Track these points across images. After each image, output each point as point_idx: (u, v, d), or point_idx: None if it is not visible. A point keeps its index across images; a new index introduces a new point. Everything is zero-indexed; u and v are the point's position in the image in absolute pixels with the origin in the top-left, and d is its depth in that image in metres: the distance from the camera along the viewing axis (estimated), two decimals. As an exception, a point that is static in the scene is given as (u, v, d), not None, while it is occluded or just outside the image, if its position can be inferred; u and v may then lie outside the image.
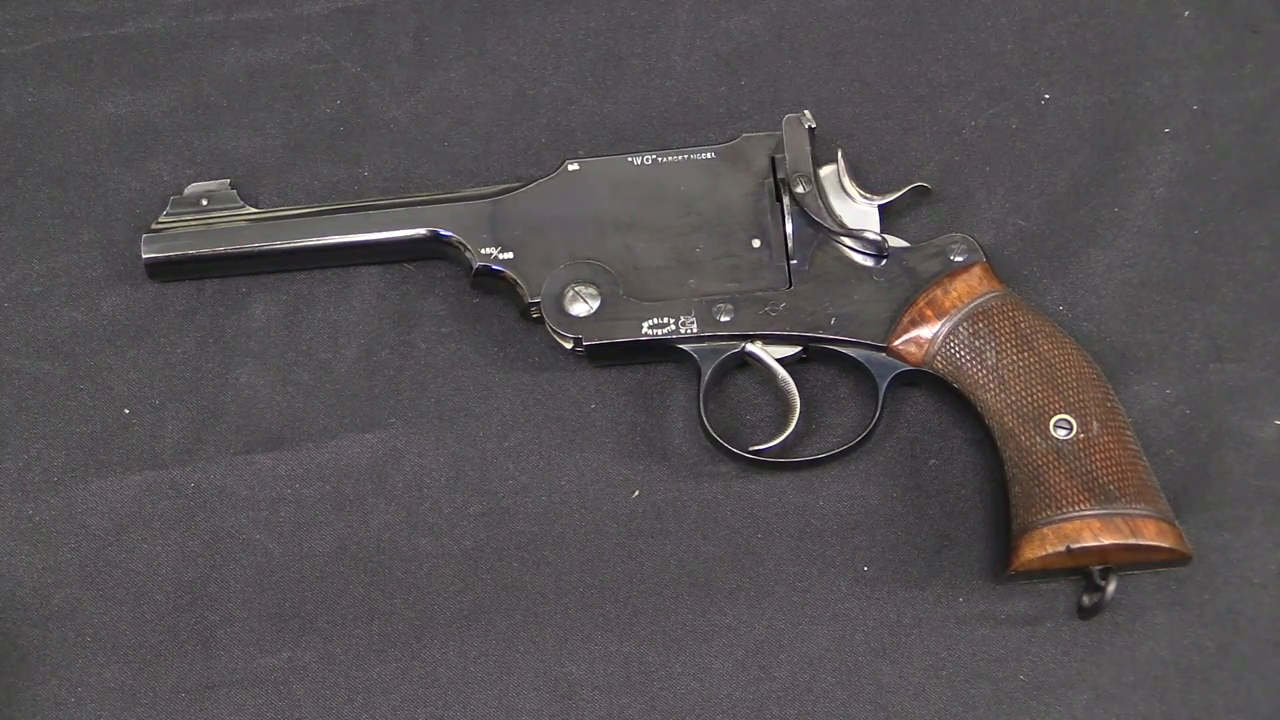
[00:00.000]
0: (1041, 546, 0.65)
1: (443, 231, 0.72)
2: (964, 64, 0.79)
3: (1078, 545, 0.64)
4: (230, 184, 0.74)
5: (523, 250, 0.72)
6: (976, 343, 0.68)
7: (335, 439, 0.72)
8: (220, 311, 0.75)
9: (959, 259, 0.70)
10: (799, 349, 0.70)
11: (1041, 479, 0.66)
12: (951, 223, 0.75)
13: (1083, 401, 0.67)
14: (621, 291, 0.70)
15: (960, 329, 0.69)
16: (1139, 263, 0.74)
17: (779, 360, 0.70)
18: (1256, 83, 0.78)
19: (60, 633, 0.69)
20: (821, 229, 0.71)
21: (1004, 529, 0.67)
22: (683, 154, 0.73)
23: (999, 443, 0.67)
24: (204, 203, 0.74)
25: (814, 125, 0.72)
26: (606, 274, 0.71)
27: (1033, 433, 0.66)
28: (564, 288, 0.71)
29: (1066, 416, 0.66)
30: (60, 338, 0.75)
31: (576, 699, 0.68)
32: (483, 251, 0.72)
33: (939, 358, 0.69)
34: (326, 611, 0.70)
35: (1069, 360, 0.68)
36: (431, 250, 0.73)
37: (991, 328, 0.68)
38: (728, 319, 0.70)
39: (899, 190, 0.73)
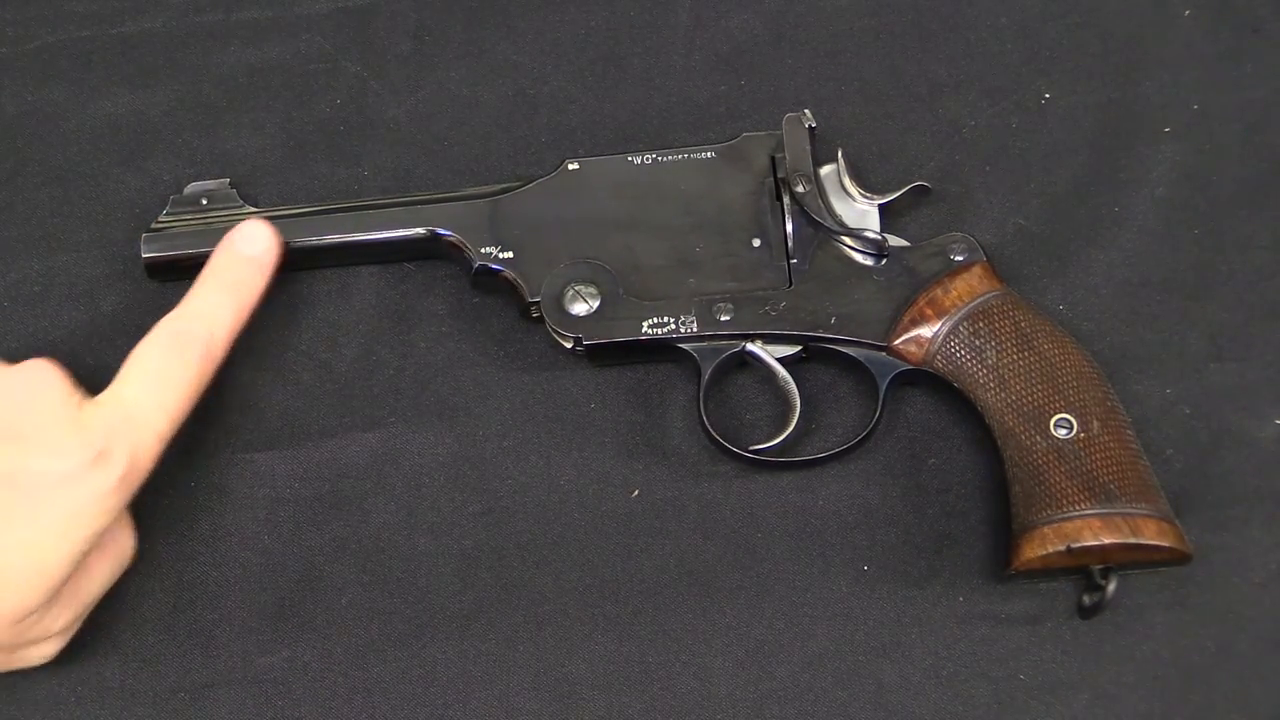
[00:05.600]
0: (1042, 546, 0.65)
1: (442, 231, 0.72)
2: (964, 64, 0.79)
3: (1078, 544, 0.64)
4: (230, 184, 0.74)
5: (522, 250, 0.72)
6: (977, 342, 0.68)
7: (335, 438, 0.72)
8: (220, 311, 0.75)
9: (959, 258, 0.70)
10: (799, 348, 0.70)
11: (1042, 478, 0.66)
12: (951, 222, 0.75)
13: (1083, 401, 0.67)
14: (621, 291, 0.70)
15: (960, 328, 0.69)
16: (1139, 262, 0.74)
17: (779, 360, 0.70)
18: (1256, 83, 0.78)
19: (60, 632, 0.69)
20: (822, 228, 0.71)
21: (1004, 528, 0.67)
22: (683, 153, 0.73)
23: (999, 442, 0.67)
24: (204, 202, 0.74)
25: (814, 125, 0.72)
26: (606, 273, 0.71)
27: (1033, 432, 0.66)
28: (564, 287, 0.71)
29: (1067, 416, 0.66)
30: (60, 338, 0.75)
31: (576, 699, 0.68)
32: (482, 251, 0.72)
33: (939, 357, 0.69)
34: (326, 611, 0.70)
35: (1069, 359, 0.68)
36: (431, 250, 0.73)
37: (992, 327, 0.68)
38: (728, 318, 0.70)
39: (899, 190, 0.73)
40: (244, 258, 0.70)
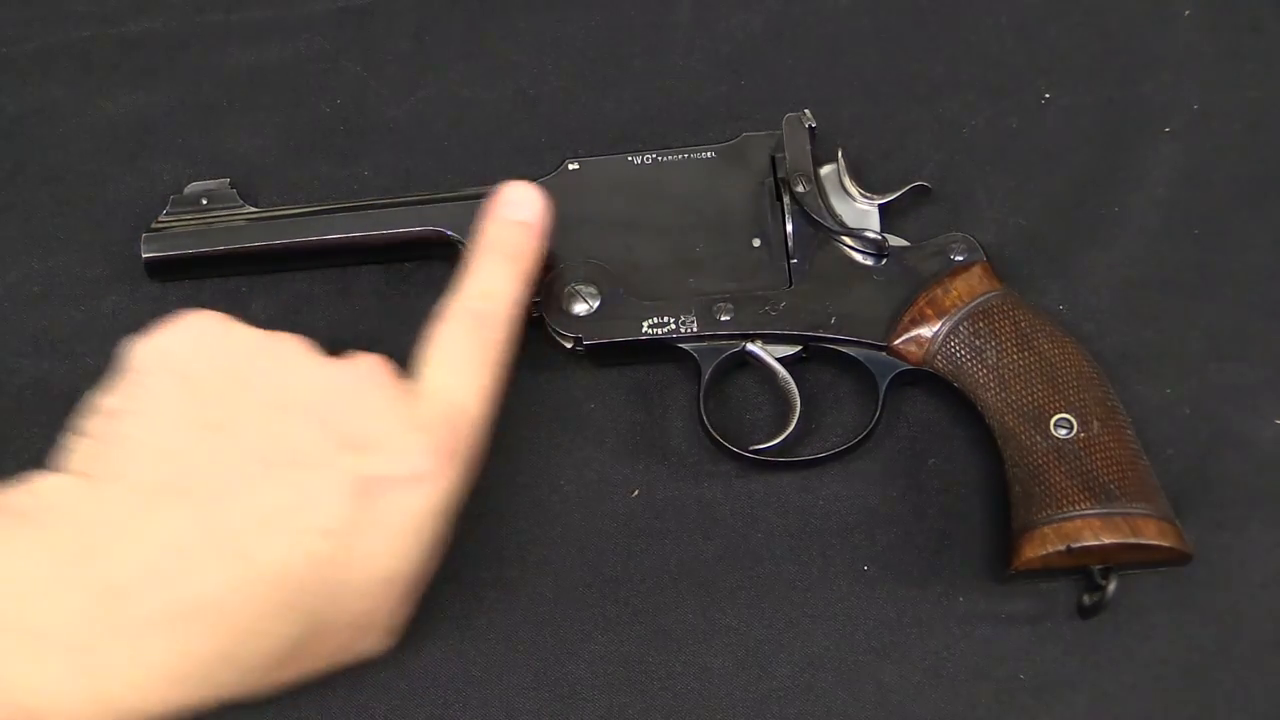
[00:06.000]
0: (1042, 546, 0.65)
1: (442, 230, 0.72)
2: (964, 64, 0.79)
3: (1078, 544, 0.64)
4: (230, 183, 0.74)
5: (523, 249, 0.72)
6: (977, 342, 0.68)
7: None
8: (220, 311, 0.75)
9: (959, 258, 0.70)
10: (799, 348, 0.71)
11: (1042, 478, 0.66)
12: (951, 222, 0.75)
13: (1083, 401, 0.67)
14: (622, 291, 0.70)
15: (961, 328, 0.69)
16: (1139, 262, 0.74)
17: (779, 359, 0.70)
18: (1256, 83, 0.78)
19: (60, 632, 0.69)
20: (822, 228, 0.71)
21: (1004, 528, 0.67)
22: (683, 153, 0.73)
23: (999, 442, 0.67)
24: (204, 202, 0.74)
25: (814, 125, 0.72)
26: (606, 273, 0.71)
27: (1033, 432, 0.66)
28: (564, 287, 0.71)
29: (1067, 416, 0.66)
30: (60, 338, 0.75)
31: (576, 699, 0.68)
32: (483, 251, 0.72)
33: (939, 357, 0.69)
34: (326, 611, 0.70)
35: (1069, 359, 0.68)
36: (431, 249, 0.73)
37: (992, 327, 0.68)
38: (728, 318, 0.70)
39: (899, 190, 0.73)
40: (517, 224, 0.67)
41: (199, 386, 0.59)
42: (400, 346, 0.74)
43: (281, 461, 0.57)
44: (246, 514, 0.56)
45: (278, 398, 0.59)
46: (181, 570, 0.55)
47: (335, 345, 0.74)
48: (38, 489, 0.56)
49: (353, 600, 0.58)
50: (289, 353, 0.61)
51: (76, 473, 0.57)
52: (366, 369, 0.61)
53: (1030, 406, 0.67)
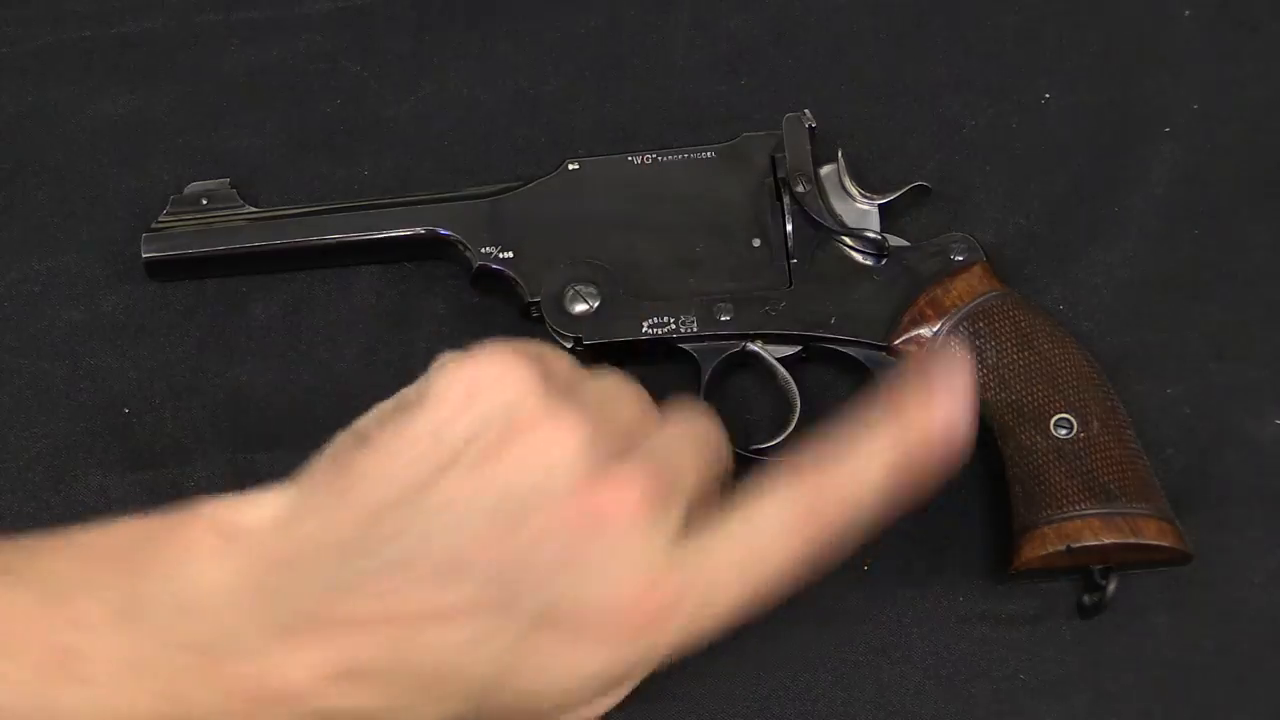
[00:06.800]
0: (1042, 546, 0.65)
1: (442, 230, 0.72)
2: (964, 64, 0.79)
3: (1078, 544, 0.64)
4: (230, 183, 0.74)
5: (523, 249, 0.72)
6: (977, 342, 0.68)
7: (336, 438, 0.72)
8: (220, 311, 0.75)
9: (959, 258, 0.70)
10: (799, 348, 0.70)
11: (1042, 478, 0.66)
12: (951, 222, 0.75)
13: (1083, 401, 0.67)
14: (621, 291, 0.70)
15: (961, 328, 0.69)
16: (1139, 262, 0.74)
17: (779, 359, 0.70)
18: (1256, 83, 0.78)
19: (60, 632, 0.69)
20: (822, 228, 0.71)
21: (1004, 528, 0.67)
22: (683, 153, 0.73)
23: (999, 442, 0.67)
24: (204, 202, 0.74)
25: (814, 125, 0.72)
26: (606, 273, 0.71)
27: (1033, 432, 0.66)
28: (564, 287, 0.70)
29: (1067, 416, 0.66)
30: (60, 337, 0.75)
31: (576, 699, 0.68)
32: (482, 251, 0.72)
33: (939, 357, 0.69)
34: (326, 611, 0.69)
35: (1069, 359, 0.68)
36: (431, 249, 0.73)
37: (992, 327, 0.68)
38: (728, 318, 0.70)
39: (899, 190, 0.73)
40: (943, 438, 0.56)
41: (451, 449, 0.53)
42: (400, 347, 0.74)
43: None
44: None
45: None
46: None
47: (336, 346, 0.74)
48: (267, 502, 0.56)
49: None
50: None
51: (306, 487, 0.56)
52: (618, 385, 0.58)
53: (1030, 406, 0.67)
